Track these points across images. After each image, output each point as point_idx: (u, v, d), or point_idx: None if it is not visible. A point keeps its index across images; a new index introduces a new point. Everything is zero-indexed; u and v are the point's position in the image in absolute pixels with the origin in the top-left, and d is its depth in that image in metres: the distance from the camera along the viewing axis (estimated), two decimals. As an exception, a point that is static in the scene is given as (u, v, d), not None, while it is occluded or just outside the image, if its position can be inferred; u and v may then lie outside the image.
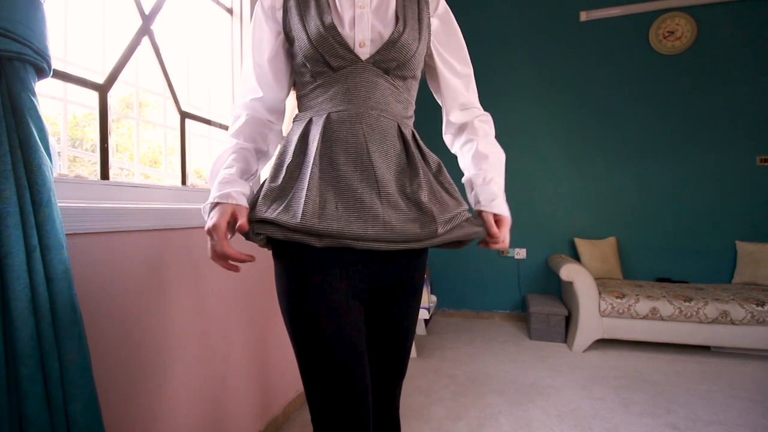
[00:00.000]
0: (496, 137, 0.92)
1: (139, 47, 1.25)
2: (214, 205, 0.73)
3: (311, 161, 0.73)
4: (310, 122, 0.78)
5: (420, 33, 0.81)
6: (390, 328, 0.85)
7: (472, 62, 0.92)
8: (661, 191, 3.20)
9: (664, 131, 3.18)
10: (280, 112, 0.87)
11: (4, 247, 0.64)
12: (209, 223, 0.71)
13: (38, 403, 0.66)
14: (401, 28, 0.78)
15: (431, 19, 0.85)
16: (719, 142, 3.08)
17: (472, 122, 0.91)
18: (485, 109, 0.93)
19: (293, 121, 0.84)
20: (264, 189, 0.76)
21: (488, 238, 0.83)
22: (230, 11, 1.73)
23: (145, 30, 1.27)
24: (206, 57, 1.62)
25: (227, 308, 1.43)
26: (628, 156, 3.25)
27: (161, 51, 1.35)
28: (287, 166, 0.76)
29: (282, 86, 0.86)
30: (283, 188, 0.74)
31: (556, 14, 3.34)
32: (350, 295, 0.76)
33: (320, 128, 0.75)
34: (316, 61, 0.77)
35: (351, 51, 0.76)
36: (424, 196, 0.75)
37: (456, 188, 0.84)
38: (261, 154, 0.85)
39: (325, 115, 0.76)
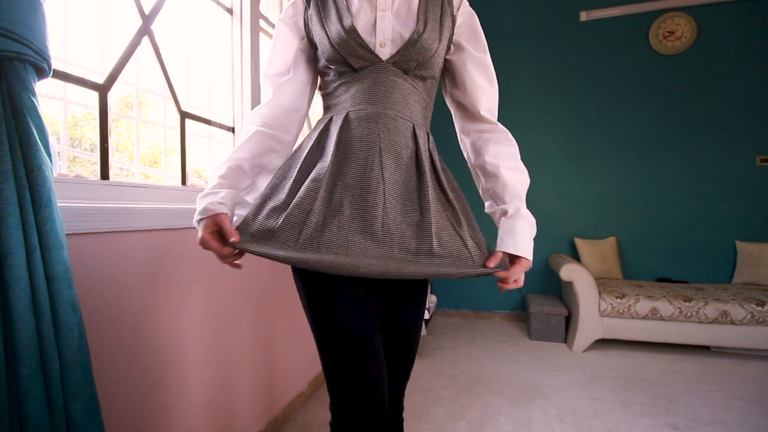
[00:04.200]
0: None
1: (139, 47, 1.25)
2: (199, 221, 0.76)
3: (327, 162, 0.75)
4: (330, 122, 0.81)
5: (441, 33, 0.81)
6: (396, 325, 0.86)
7: None
8: (661, 191, 3.20)
9: (664, 131, 3.18)
10: (298, 122, 0.88)
11: (4, 247, 0.64)
12: (197, 239, 0.75)
13: (38, 403, 0.66)
14: (421, 29, 0.78)
15: (455, 16, 0.85)
16: (719, 142, 3.08)
17: (494, 140, 0.92)
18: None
19: (316, 123, 0.85)
20: (267, 206, 0.77)
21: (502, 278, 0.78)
22: (230, 11, 1.73)
23: (145, 30, 1.27)
24: (206, 57, 1.62)
25: (230, 307, 1.43)
26: (628, 156, 3.25)
27: (161, 51, 1.35)
28: (295, 176, 0.77)
29: (303, 93, 0.88)
30: (284, 206, 0.75)
31: (556, 14, 3.34)
32: (364, 287, 0.78)
33: (338, 127, 0.78)
34: (338, 62, 0.80)
35: (372, 52, 0.78)
36: (431, 233, 0.74)
37: (461, 193, 0.82)
38: (260, 169, 0.85)
39: (345, 114, 0.79)
